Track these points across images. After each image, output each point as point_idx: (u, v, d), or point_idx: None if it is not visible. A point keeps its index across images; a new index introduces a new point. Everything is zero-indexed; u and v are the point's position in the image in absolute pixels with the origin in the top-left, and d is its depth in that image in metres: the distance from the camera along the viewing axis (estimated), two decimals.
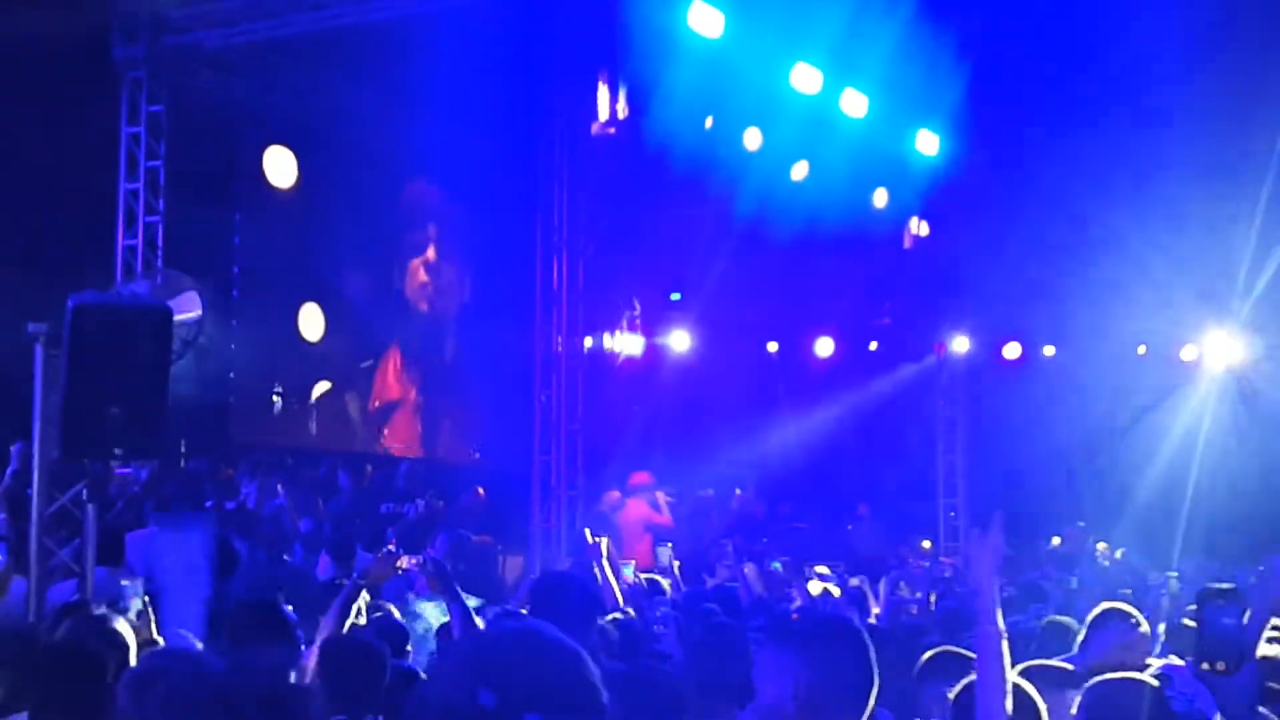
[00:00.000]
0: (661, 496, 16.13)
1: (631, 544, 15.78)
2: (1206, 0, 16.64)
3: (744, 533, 17.01)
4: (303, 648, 6.31)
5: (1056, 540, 19.47)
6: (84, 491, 8.48)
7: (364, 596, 7.13)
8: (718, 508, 18.83)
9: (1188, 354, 22.12)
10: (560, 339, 14.40)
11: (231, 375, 16.68)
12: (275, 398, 17.04)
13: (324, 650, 6.11)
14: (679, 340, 18.82)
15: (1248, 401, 21.55)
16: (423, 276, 19.47)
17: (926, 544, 19.04)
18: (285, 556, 11.54)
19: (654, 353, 19.94)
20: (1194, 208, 18.52)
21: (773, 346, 21.91)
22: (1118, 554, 18.11)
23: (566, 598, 7.08)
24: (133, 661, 5.64)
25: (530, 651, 2.70)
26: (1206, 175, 18.15)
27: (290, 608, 6.65)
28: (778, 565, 12.52)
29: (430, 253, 19.49)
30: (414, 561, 7.97)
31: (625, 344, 18.86)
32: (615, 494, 16.04)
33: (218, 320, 15.93)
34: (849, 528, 20.10)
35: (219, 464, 14.92)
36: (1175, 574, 11.30)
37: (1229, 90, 17.39)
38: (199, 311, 10.36)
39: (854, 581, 11.78)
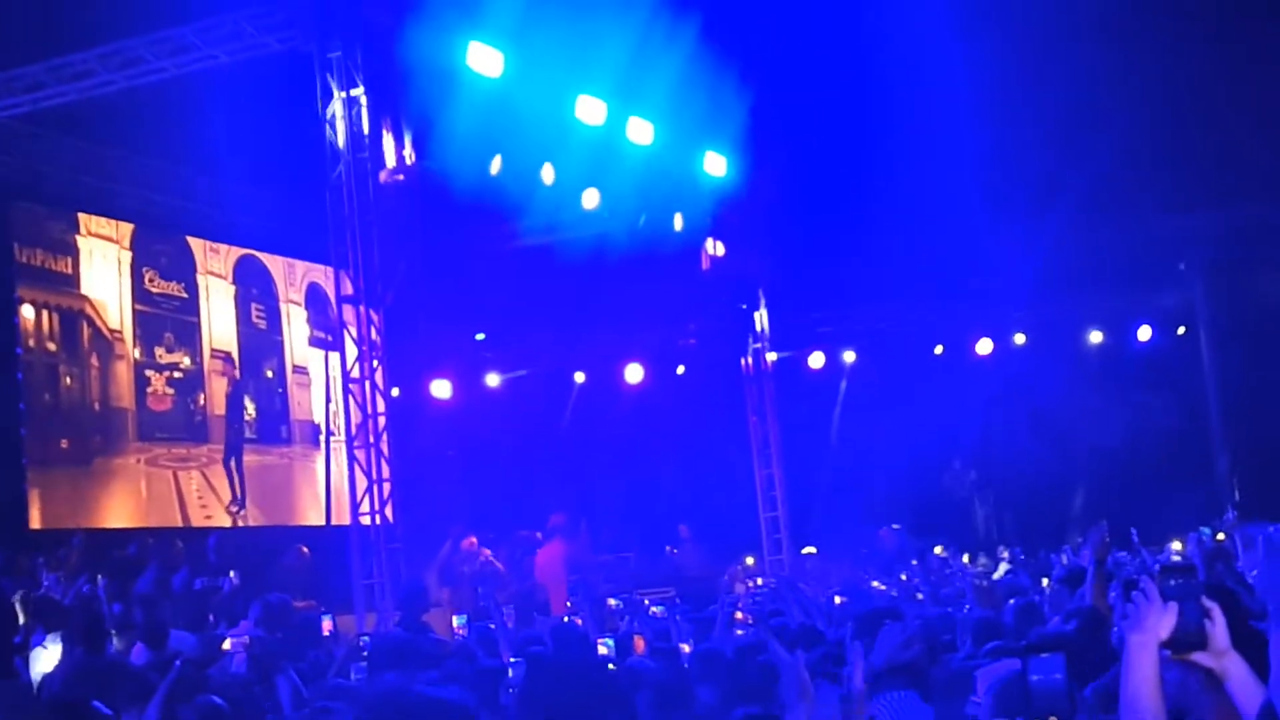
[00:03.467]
0: None
1: (555, 585, 15.60)
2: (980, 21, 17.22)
3: (573, 569, 16.95)
4: None
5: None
6: None
7: None
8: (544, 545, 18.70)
9: (983, 348, 22.83)
10: (368, 391, 14.16)
11: (25, 461, 16.03)
12: None
13: None
14: (488, 380, 18.71)
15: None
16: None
17: (750, 560, 19.20)
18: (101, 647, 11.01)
19: (464, 394, 19.82)
20: (975, 209, 19.17)
21: (579, 377, 21.96)
22: (937, 550, 18.49)
23: (405, 658, 6.96)
24: None
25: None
26: (986, 177, 18.79)
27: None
28: (615, 601, 12.47)
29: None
30: (239, 641, 7.71)
31: (435, 389, 18.74)
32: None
33: (6, 403, 15.37)
34: (673, 551, 20.18)
35: (17, 554, 14.28)
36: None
37: (1004, 97, 18.03)
38: None
39: None
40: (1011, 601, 9.08)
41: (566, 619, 10.89)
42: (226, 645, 7.55)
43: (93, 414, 17.18)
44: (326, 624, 12.57)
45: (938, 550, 18.16)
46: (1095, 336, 23.40)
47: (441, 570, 16.44)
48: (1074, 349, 23.28)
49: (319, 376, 20.26)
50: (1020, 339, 22.99)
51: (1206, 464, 22.12)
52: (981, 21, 17.51)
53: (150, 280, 17.93)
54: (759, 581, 16.63)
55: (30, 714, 6.86)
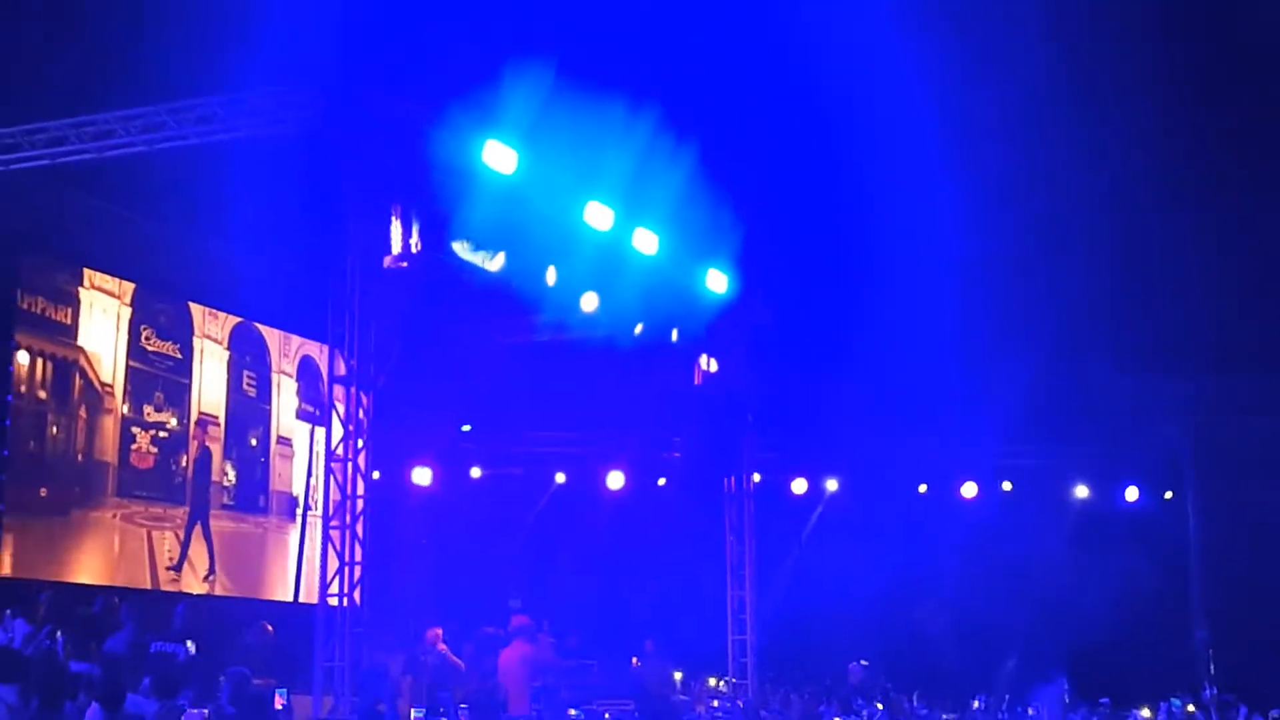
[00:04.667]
0: None
1: (516, 688, 15.47)
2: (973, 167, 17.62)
3: (538, 673, 16.86)
4: None
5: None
6: None
7: None
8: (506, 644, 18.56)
9: (968, 491, 22.84)
10: (349, 472, 14.17)
11: (1, 508, 16.01)
12: None
13: None
14: (471, 472, 18.71)
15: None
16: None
17: (713, 681, 19.04)
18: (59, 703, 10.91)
19: (445, 484, 19.84)
20: (970, 350, 19.36)
21: (560, 478, 21.96)
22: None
23: None
24: None
25: None
26: (979, 319, 19.01)
27: None
28: (575, 712, 12.43)
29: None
30: (199, 714, 7.69)
31: (416, 476, 18.75)
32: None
33: None
34: (635, 662, 20.05)
35: None
36: None
37: (990, 246, 18.35)
38: None
39: None
40: None
41: None
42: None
43: (75, 465, 17.18)
44: (279, 700, 12.53)
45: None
46: (1081, 491, 23.42)
47: (408, 659, 16.38)
48: (1059, 502, 23.30)
49: (303, 450, 20.28)
50: (1007, 486, 23.02)
51: (1184, 633, 22.02)
52: (975, 167, 17.88)
53: (147, 338, 18.03)
54: (715, 704, 16.51)
55: None
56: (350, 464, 14.22)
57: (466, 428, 19.77)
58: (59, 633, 13.47)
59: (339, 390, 14.40)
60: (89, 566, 17.23)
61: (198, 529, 18.69)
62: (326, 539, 14.41)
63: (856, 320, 19.13)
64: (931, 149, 17.50)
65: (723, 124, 16.18)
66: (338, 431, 14.34)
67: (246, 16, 14.23)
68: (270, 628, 16.05)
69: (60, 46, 14.55)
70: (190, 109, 14.06)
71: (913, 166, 17.52)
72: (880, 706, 17.96)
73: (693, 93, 15.73)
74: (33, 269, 16.72)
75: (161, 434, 18.26)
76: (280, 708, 12.56)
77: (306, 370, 20.20)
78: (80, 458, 17.25)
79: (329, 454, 14.53)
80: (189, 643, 13.69)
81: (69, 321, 17.07)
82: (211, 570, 18.76)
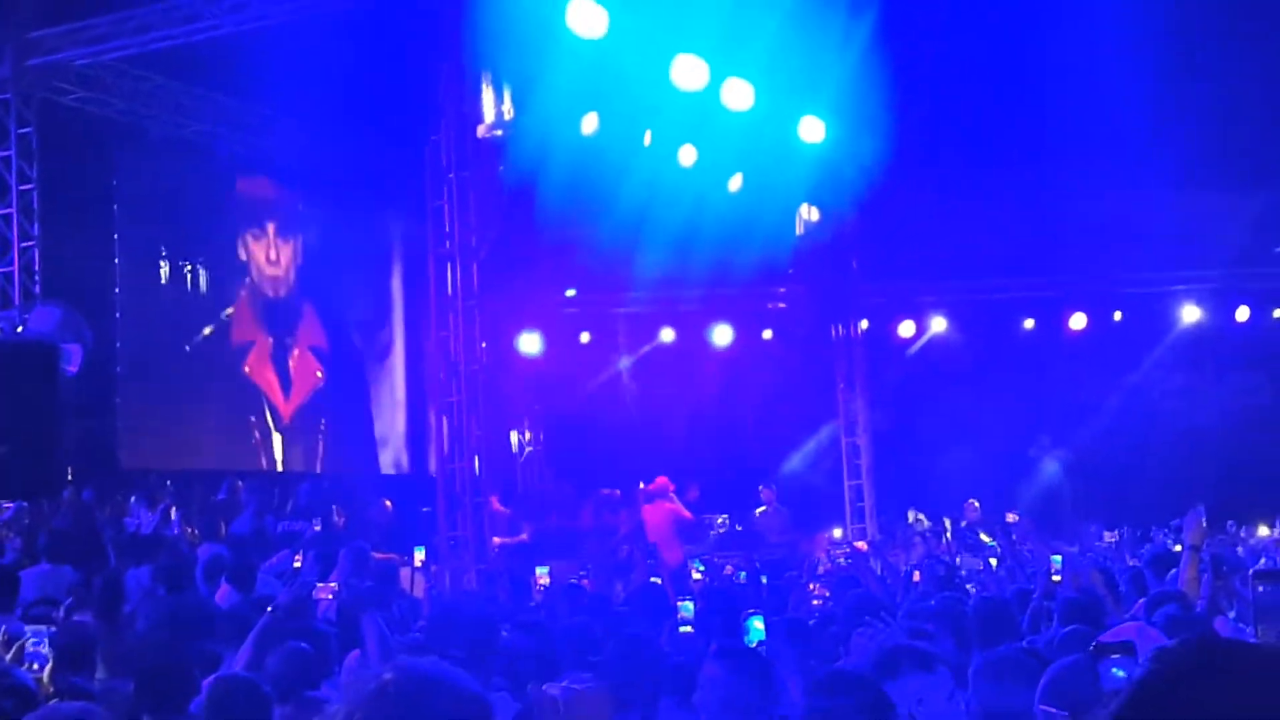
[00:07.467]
0: None
1: (666, 544, 15.72)
2: None
3: (679, 525, 17.00)
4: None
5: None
6: None
7: None
8: (626, 505, 18.67)
9: (1076, 323, 22.49)
10: (458, 345, 14.17)
11: (118, 401, 16.28)
12: None
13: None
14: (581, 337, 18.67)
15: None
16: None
17: (837, 532, 19.05)
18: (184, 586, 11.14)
19: (552, 350, 19.87)
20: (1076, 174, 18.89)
21: (667, 335, 21.85)
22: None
23: (461, 630, 6.93)
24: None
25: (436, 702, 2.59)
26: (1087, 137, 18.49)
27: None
28: (698, 564, 12.49)
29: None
30: (329, 588, 7.77)
31: (524, 344, 18.77)
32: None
33: (101, 344, 15.56)
34: (757, 513, 20.07)
35: (110, 492, 14.53)
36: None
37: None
38: (75, 368, 10.06)
39: None
40: None
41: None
42: (321, 594, 7.59)
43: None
44: (419, 557, 12.61)
45: (1010, 517, 17.93)
46: (1191, 314, 22.91)
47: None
48: (1169, 328, 22.86)
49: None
50: (1117, 316, 22.61)
51: None
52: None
53: None
54: (834, 553, 16.50)
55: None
56: (459, 336, 14.20)
57: (571, 293, 19.69)
58: (173, 510, 13.71)
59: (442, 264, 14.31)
60: (207, 457, 17.52)
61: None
62: (441, 411, 14.45)
63: (961, 161, 18.67)
64: None
65: None
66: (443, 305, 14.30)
67: None
68: (389, 504, 16.26)
69: None
70: None
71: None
72: (995, 544, 17.87)
73: None
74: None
75: None
76: (420, 564, 12.67)
77: None
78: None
79: (437, 327, 14.48)
80: (316, 520, 13.90)
81: None
82: (327, 450, 19.05)
